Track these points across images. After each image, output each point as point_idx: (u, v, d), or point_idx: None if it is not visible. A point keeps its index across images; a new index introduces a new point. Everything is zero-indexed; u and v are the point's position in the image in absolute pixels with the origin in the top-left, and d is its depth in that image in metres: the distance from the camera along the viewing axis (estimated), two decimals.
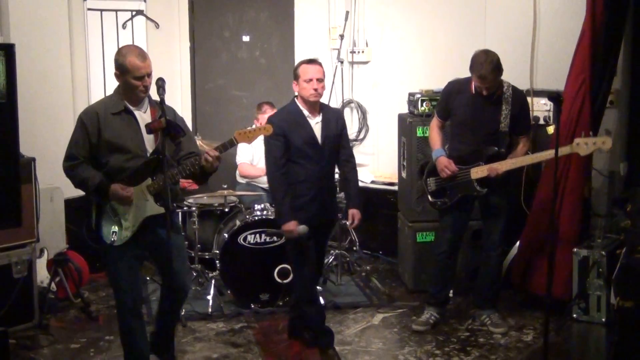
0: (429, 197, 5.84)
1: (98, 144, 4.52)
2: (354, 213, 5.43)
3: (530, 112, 6.59)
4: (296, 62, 7.85)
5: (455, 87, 5.72)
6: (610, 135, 5.46)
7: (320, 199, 5.29)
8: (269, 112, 7.10)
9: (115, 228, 4.55)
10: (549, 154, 5.50)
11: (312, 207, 5.25)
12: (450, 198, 5.70)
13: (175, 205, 4.92)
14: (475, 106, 5.56)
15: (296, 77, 5.26)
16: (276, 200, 5.31)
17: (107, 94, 4.94)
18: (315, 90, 5.19)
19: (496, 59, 5.39)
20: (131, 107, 4.55)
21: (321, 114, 5.30)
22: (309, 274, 5.38)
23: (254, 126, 5.14)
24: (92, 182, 4.49)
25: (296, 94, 5.32)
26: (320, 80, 5.22)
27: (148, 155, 4.55)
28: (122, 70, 4.51)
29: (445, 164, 5.64)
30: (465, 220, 5.86)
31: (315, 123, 5.27)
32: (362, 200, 5.56)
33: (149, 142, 4.57)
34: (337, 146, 5.38)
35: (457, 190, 5.67)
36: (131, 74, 4.48)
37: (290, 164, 5.22)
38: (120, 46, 7.19)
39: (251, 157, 7.24)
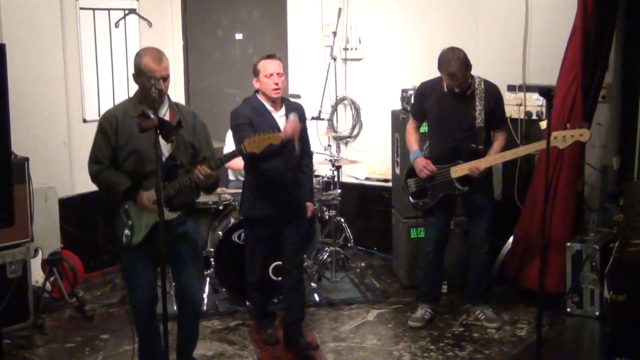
0: (410, 198, 5.85)
1: (117, 147, 4.54)
2: (309, 206, 5.57)
3: (523, 107, 6.63)
4: (289, 60, 7.95)
5: (428, 88, 5.75)
6: (588, 127, 5.45)
7: (285, 192, 5.31)
8: None
9: (128, 232, 4.57)
10: (528, 148, 5.54)
11: (277, 200, 5.30)
12: (432, 198, 5.72)
13: (186, 211, 4.74)
14: (448, 104, 5.58)
15: (256, 73, 5.30)
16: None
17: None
18: (276, 84, 5.24)
19: (463, 55, 5.41)
20: (149, 111, 4.46)
21: (284, 108, 5.36)
22: (257, 261, 5.58)
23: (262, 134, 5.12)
24: (119, 188, 4.50)
25: (256, 89, 5.37)
26: (280, 74, 5.27)
27: (164, 160, 4.48)
28: (138, 71, 4.53)
29: (423, 164, 5.66)
30: (448, 219, 5.89)
31: (279, 117, 5.31)
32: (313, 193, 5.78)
33: (166, 146, 4.50)
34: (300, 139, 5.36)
35: (438, 190, 5.68)
36: (146, 76, 4.47)
37: (255, 160, 5.11)
38: (112, 45, 7.32)
39: None
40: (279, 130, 4.90)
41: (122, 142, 4.52)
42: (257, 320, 5.82)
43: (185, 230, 4.71)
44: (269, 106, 5.32)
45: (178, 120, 4.55)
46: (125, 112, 4.56)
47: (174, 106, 4.66)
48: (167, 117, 4.54)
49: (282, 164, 5.24)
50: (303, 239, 5.61)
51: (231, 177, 7.38)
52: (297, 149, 5.26)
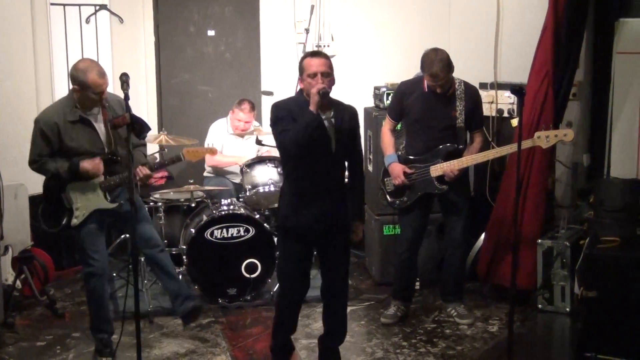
0: (387, 197, 5.86)
1: (61, 149, 4.94)
2: (357, 225, 4.89)
3: (495, 105, 6.67)
4: (262, 57, 7.94)
5: (408, 87, 5.74)
6: (571, 127, 5.51)
7: (323, 201, 4.66)
8: (246, 111, 7.10)
9: (66, 215, 5.02)
10: (510, 148, 5.56)
11: (314, 208, 4.65)
12: (410, 197, 5.73)
13: (123, 203, 5.09)
14: (429, 103, 5.59)
15: (300, 71, 4.65)
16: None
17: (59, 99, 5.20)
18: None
19: (446, 56, 5.43)
20: (86, 115, 4.92)
21: (332, 111, 4.67)
22: (291, 294, 4.88)
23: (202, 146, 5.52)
24: (62, 169, 4.91)
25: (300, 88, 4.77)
26: (327, 74, 4.59)
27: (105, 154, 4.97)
28: (82, 86, 4.81)
29: (397, 172, 5.66)
30: (425, 218, 5.88)
31: (326, 118, 4.63)
32: (363, 211, 5.06)
33: (107, 142, 4.99)
34: (348, 147, 4.77)
35: (417, 189, 5.70)
36: (92, 90, 4.81)
37: (293, 161, 4.69)
38: (82, 41, 7.25)
39: (221, 147, 7.22)
40: (324, 130, 4.56)
41: (66, 145, 4.91)
42: (273, 353, 5.07)
43: (123, 206, 5.09)
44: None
45: (110, 117, 4.92)
46: (64, 117, 4.89)
47: (105, 105, 4.97)
48: (100, 117, 4.98)
49: (317, 168, 4.63)
50: (348, 257, 4.94)
51: (207, 174, 7.36)
52: (334, 149, 4.64)
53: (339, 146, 4.67)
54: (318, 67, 4.58)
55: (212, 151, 5.44)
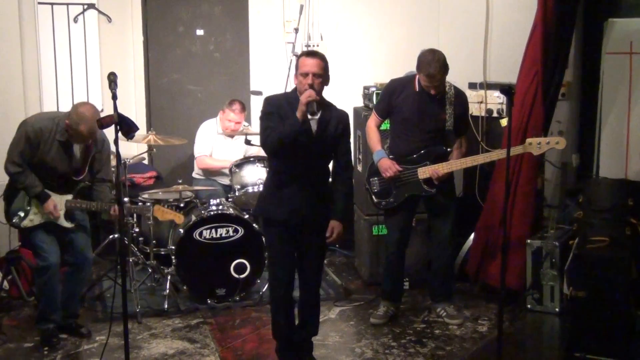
0: (373, 197, 5.84)
1: (34, 156, 5.20)
2: (334, 225, 4.83)
3: (484, 105, 6.67)
4: (251, 56, 7.92)
5: (398, 85, 5.71)
6: (563, 135, 5.52)
7: (299, 198, 4.74)
8: (237, 112, 7.08)
9: (22, 213, 5.29)
10: (499, 153, 5.55)
11: (289, 203, 4.74)
12: (397, 198, 5.72)
13: (74, 225, 5.46)
14: (420, 103, 5.57)
15: (295, 68, 4.75)
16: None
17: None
18: (310, 86, 4.62)
19: (443, 58, 5.42)
20: (71, 142, 5.26)
21: (320, 112, 4.68)
22: (282, 278, 4.90)
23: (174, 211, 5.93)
24: (33, 191, 5.24)
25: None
26: (319, 75, 4.64)
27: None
28: (70, 128, 5.15)
29: (388, 164, 5.64)
30: (411, 219, 5.88)
31: (310, 119, 4.66)
32: (346, 215, 4.95)
33: (79, 166, 5.35)
34: (332, 150, 4.83)
35: (403, 190, 5.69)
36: (76, 137, 5.19)
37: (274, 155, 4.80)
38: (70, 40, 7.22)
39: (210, 150, 7.20)
40: (309, 132, 4.66)
41: (42, 157, 5.19)
42: (278, 352, 5.09)
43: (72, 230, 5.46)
44: None
45: (93, 154, 5.38)
46: (53, 131, 5.20)
47: (97, 139, 5.36)
48: (79, 150, 5.34)
49: (299, 167, 4.71)
50: (323, 255, 5.10)
51: (196, 175, 7.34)
52: (315, 149, 4.70)
53: (320, 147, 4.75)
54: (311, 67, 4.63)
55: (180, 218, 5.87)
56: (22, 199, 5.30)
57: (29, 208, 5.29)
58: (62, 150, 5.24)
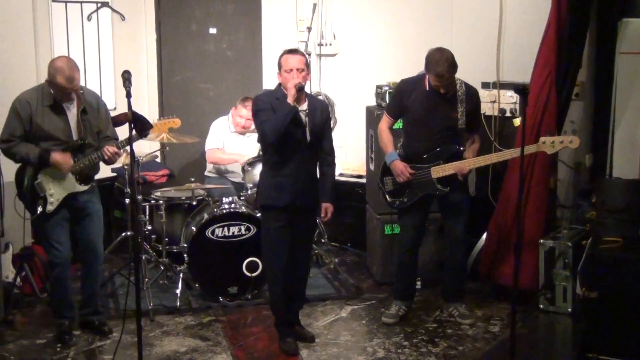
0: (387, 196, 5.83)
1: (31, 131, 5.18)
2: (327, 206, 5.39)
3: (497, 104, 6.65)
4: (263, 55, 7.93)
5: (409, 85, 5.71)
6: (577, 134, 5.49)
7: (298, 184, 5.20)
8: (249, 108, 7.07)
9: (41, 202, 5.27)
10: (513, 152, 5.53)
11: (290, 189, 5.19)
12: (410, 198, 5.70)
13: (94, 184, 5.51)
14: (430, 103, 5.56)
15: (279, 67, 5.21)
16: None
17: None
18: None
19: (451, 56, 5.40)
20: (59, 101, 5.22)
21: (307, 102, 5.23)
22: (281, 256, 5.29)
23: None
24: (33, 155, 5.17)
25: (279, 82, 5.26)
26: (301, 70, 5.12)
27: (74, 139, 5.27)
28: (50, 83, 5.16)
29: (401, 169, 5.63)
30: (424, 218, 5.86)
31: (301, 110, 5.18)
32: (334, 195, 5.50)
33: (75, 130, 5.28)
34: (320, 137, 5.32)
35: (417, 190, 5.67)
36: (57, 90, 5.16)
37: (272, 149, 5.20)
38: (84, 38, 7.24)
39: (222, 144, 7.21)
40: (300, 125, 5.15)
41: (36, 127, 5.17)
42: (276, 327, 5.50)
43: (90, 199, 5.46)
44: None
45: (83, 107, 5.27)
46: (39, 99, 5.19)
47: (80, 94, 5.29)
48: (74, 106, 5.27)
49: (292, 154, 5.17)
50: (313, 233, 5.74)
51: (208, 174, 7.35)
52: (308, 138, 5.19)
53: (312, 135, 5.23)
54: (294, 63, 5.13)
55: (175, 122, 6.01)
56: (35, 190, 5.26)
57: (45, 193, 5.25)
58: (55, 115, 5.21)
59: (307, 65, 5.25)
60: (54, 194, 5.28)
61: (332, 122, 7.84)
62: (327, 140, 5.42)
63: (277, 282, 5.35)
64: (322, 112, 5.32)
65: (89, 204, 5.45)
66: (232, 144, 7.22)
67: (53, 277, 5.51)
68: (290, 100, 5.04)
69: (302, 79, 5.13)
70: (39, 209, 5.27)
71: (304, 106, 5.21)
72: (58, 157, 5.20)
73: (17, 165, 5.35)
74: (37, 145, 5.21)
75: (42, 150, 5.19)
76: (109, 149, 5.23)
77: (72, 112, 5.26)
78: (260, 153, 7.00)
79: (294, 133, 5.13)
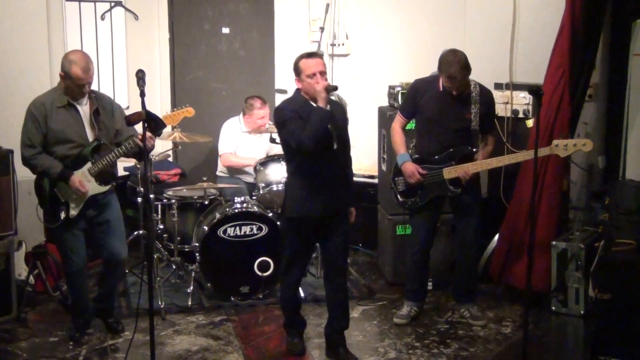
0: (398, 196, 5.83)
1: (46, 133, 5.16)
2: (350, 210, 5.23)
3: (510, 105, 6.64)
4: (276, 55, 7.93)
5: (423, 85, 5.70)
6: (590, 137, 5.47)
7: (328, 193, 4.99)
8: (259, 107, 7.08)
9: (64, 209, 5.24)
10: (526, 154, 5.51)
11: (320, 200, 4.98)
12: (422, 198, 5.70)
13: (114, 184, 5.47)
14: (444, 103, 5.55)
15: (297, 72, 4.97)
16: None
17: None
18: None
19: (464, 58, 5.39)
20: (72, 101, 5.19)
21: (329, 107, 4.92)
22: (297, 269, 5.21)
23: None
24: (54, 171, 5.15)
25: (297, 88, 5.05)
26: (323, 73, 4.91)
27: (90, 140, 5.24)
28: (66, 76, 5.11)
29: (412, 170, 5.62)
30: (436, 218, 5.86)
31: None
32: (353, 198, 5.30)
33: (90, 131, 5.25)
34: (345, 138, 5.15)
35: (429, 190, 5.67)
36: (73, 82, 5.10)
37: (299, 158, 4.99)
38: (97, 38, 7.27)
39: (234, 147, 7.22)
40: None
41: (51, 129, 5.14)
42: (285, 327, 5.46)
43: (109, 200, 5.42)
44: (313, 103, 4.92)
45: (95, 108, 5.24)
46: (53, 102, 5.17)
47: (92, 96, 5.26)
48: (87, 107, 5.24)
49: (320, 161, 4.94)
50: (348, 240, 5.29)
51: (220, 173, 7.36)
52: (335, 145, 4.97)
53: (339, 141, 5.02)
54: (316, 67, 4.91)
55: (189, 111, 5.79)
56: (56, 197, 5.24)
57: (66, 199, 5.23)
58: (69, 116, 5.18)
59: (326, 67, 5.06)
60: (75, 198, 5.24)
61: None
62: (345, 143, 5.21)
63: (289, 288, 5.28)
64: (343, 114, 5.22)
65: (109, 207, 5.41)
66: (245, 144, 7.23)
67: (69, 283, 5.58)
68: (322, 103, 4.78)
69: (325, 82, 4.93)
70: (62, 215, 5.23)
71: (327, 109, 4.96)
72: (77, 183, 5.17)
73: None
74: (54, 150, 5.18)
75: (63, 168, 5.16)
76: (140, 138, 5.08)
77: (86, 113, 5.23)
78: (270, 153, 7.06)
79: (322, 141, 4.89)
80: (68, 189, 5.20)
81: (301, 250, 5.19)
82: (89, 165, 5.22)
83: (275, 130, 6.81)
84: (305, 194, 4.99)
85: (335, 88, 4.93)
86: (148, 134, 4.89)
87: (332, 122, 4.92)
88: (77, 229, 5.34)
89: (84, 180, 5.20)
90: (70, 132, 5.18)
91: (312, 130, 4.77)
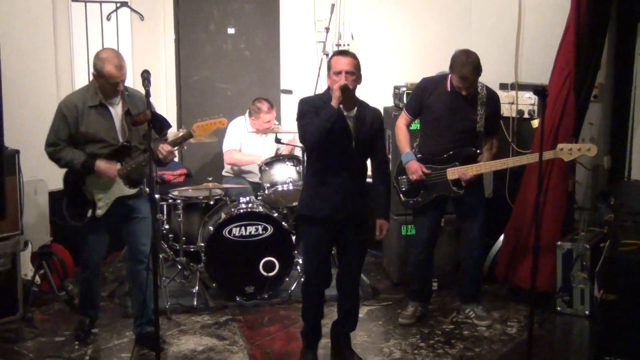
0: (401, 196, 5.83)
1: (76, 134, 5.08)
2: (381, 223, 5.07)
3: (515, 105, 6.64)
4: (281, 55, 7.93)
5: (430, 84, 5.70)
6: (594, 141, 5.47)
7: (341, 194, 4.84)
8: (266, 111, 7.08)
9: (90, 209, 5.18)
10: (530, 158, 5.51)
11: (331, 200, 4.84)
12: (425, 198, 5.70)
13: (142, 187, 5.35)
14: (451, 103, 5.55)
15: (328, 69, 4.85)
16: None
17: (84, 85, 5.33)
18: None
19: (477, 59, 5.40)
20: (105, 102, 5.11)
21: (356, 109, 4.83)
22: (314, 273, 5.03)
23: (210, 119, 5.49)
24: (77, 161, 5.07)
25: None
26: (352, 73, 4.75)
27: (120, 142, 5.14)
28: (100, 74, 5.03)
29: (415, 168, 5.63)
30: (439, 218, 5.87)
31: (349, 116, 4.81)
32: (388, 211, 5.17)
33: (122, 132, 5.17)
34: (370, 147, 4.93)
35: (432, 190, 5.67)
36: (107, 80, 5.01)
37: (315, 154, 4.91)
38: (103, 38, 7.28)
39: (239, 145, 7.22)
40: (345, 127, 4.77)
41: (82, 129, 5.08)
42: (303, 336, 5.24)
43: (137, 206, 5.30)
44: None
45: (127, 109, 5.15)
46: (85, 101, 5.09)
47: (125, 95, 5.18)
48: (119, 107, 5.17)
49: (339, 165, 4.82)
50: (364, 249, 5.16)
51: (225, 173, 7.36)
52: (353, 144, 4.81)
53: (358, 143, 4.84)
54: (343, 65, 4.76)
55: (222, 122, 5.42)
56: (83, 195, 5.19)
57: (93, 197, 5.16)
58: (100, 116, 5.09)
59: (358, 68, 4.83)
60: (103, 198, 5.17)
61: None
62: (378, 150, 5.02)
63: (311, 294, 5.10)
64: (374, 120, 4.92)
65: (137, 209, 5.29)
66: (250, 144, 7.24)
67: (82, 278, 5.55)
68: (334, 102, 4.65)
69: (351, 82, 4.75)
70: (89, 213, 5.17)
71: (353, 112, 4.82)
72: (102, 165, 5.09)
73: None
74: (83, 148, 5.11)
75: (87, 157, 5.08)
76: (164, 147, 5.09)
77: (118, 113, 5.16)
78: (278, 153, 7.07)
79: (340, 141, 4.77)
80: (95, 182, 5.14)
81: (315, 252, 4.98)
82: (117, 165, 5.15)
83: (281, 130, 6.86)
84: (314, 193, 4.92)
85: (346, 89, 4.65)
86: (167, 148, 5.04)
87: (357, 125, 4.80)
88: (103, 231, 5.32)
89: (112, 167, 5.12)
90: (102, 132, 5.11)
91: (316, 127, 4.69)
